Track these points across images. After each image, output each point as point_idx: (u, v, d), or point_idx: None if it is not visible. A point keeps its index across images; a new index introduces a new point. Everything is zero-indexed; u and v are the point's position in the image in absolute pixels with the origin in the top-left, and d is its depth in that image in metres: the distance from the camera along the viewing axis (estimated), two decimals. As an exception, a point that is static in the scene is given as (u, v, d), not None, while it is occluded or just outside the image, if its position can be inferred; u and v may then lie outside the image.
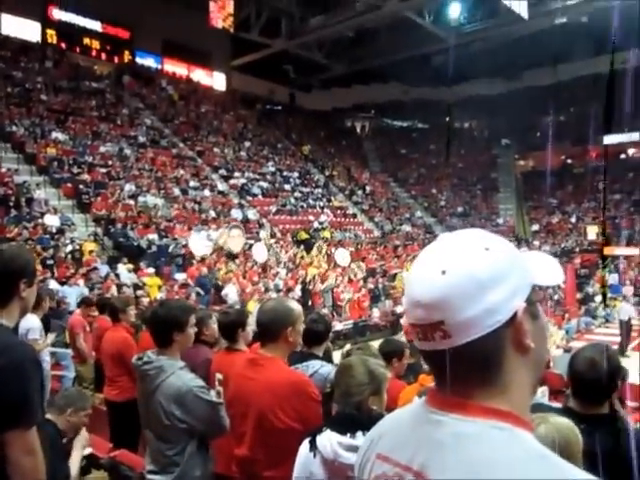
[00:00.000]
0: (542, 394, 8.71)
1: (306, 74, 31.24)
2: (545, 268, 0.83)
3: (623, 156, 30.07)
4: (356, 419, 1.81)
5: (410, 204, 28.18)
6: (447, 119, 34.17)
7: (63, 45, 23.08)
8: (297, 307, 2.36)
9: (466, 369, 0.75)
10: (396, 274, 17.73)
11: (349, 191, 26.32)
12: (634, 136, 27.77)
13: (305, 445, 1.87)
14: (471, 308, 0.73)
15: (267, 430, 2.14)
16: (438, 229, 26.14)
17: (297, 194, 23.31)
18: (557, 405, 2.42)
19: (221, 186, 20.85)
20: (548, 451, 0.71)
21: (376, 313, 15.66)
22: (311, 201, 23.39)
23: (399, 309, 15.43)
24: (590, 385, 1.88)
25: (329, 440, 1.81)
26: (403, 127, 35.27)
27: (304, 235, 18.93)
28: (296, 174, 24.97)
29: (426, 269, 0.78)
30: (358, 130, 34.74)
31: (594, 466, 1.48)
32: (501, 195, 29.62)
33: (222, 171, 21.85)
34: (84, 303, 7.00)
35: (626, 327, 13.49)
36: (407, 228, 24.92)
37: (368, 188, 27.36)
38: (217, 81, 28.56)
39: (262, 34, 26.57)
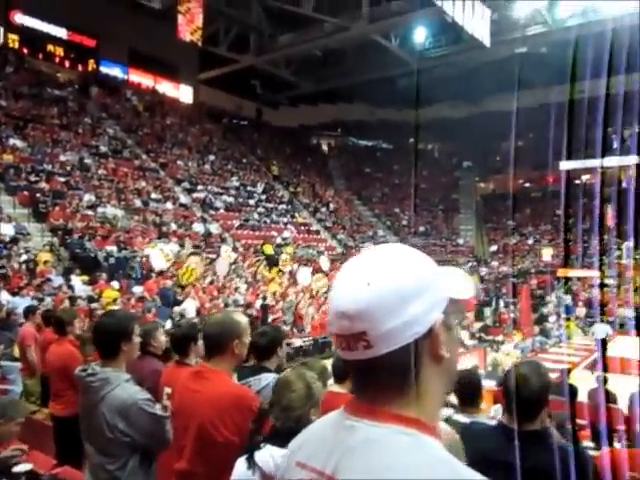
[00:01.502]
0: (495, 412, 8.89)
1: (274, 91, 31.46)
2: (458, 282, 0.87)
3: (578, 182, 31.15)
4: (297, 432, 1.80)
5: (373, 222, 28.50)
6: (411, 140, 34.86)
7: (25, 50, 22.61)
8: (243, 320, 2.35)
9: (385, 378, 0.79)
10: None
11: (313, 208, 26.44)
12: (588, 163, 28.88)
13: (241, 462, 1.85)
14: (393, 320, 0.76)
15: (207, 444, 2.11)
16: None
17: (261, 209, 23.28)
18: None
19: (184, 199, 20.65)
20: (450, 456, 0.74)
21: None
22: (275, 217, 23.39)
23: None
24: (522, 401, 1.91)
25: (271, 455, 1.80)
26: (368, 146, 35.78)
27: (269, 250, 18.92)
28: (260, 189, 24.95)
29: (351, 281, 0.80)
30: (324, 148, 35.07)
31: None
32: (462, 216, 30.26)
33: (185, 184, 21.66)
34: (30, 312, 6.81)
35: (603, 345, 13.87)
36: (369, 246, 25.10)
37: (332, 205, 27.56)
38: (183, 94, 28.43)
39: (231, 49, 26.67)
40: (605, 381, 6.79)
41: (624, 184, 29.45)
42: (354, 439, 0.77)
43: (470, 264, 25.18)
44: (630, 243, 24.42)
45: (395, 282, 0.77)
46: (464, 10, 21.65)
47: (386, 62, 26.34)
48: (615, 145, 29.02)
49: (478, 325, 16.60)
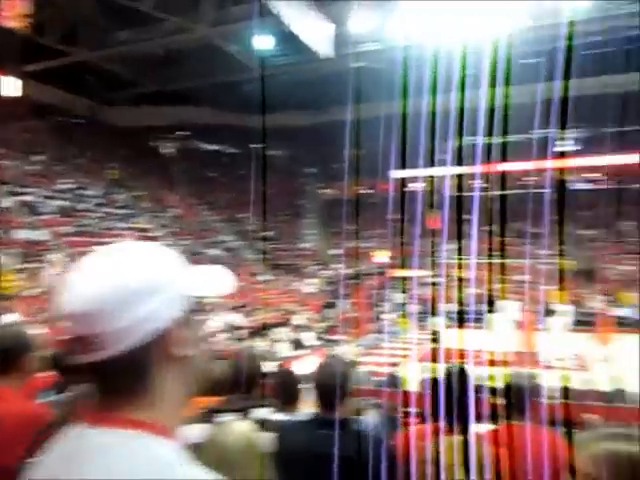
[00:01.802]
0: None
1: (110, 88, 29.70)
2: (210, 280, 0.87)
3: (410, 188, 33.84)
4: None
5: (219, 228, 28.16)
6: (257, 146, 35.12)
7: None
8: (38, 333, 2.17)
9: (119, 381, 0.76)
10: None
11: (155, 213, 25.40)
12: (418, 172, 31.45)
13: None
14: (123, 319, 0.73)
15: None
16: (247, 253, 26.51)
17: (98, 214, 21.80)
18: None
19: (6, 203, 18.59)
20: (176, 459, 0.74)
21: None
22: (113, 222, 22.05)
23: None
24: (326, 391, 2.06)
25: None
26: (213, 151, 35.29)
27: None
28: (97, 193, 23.37)
29: (78, 281, 0.76)
30: (167, 151, 33.88)
31: (329, 468, 1.59)
32: (307, 221, 31.15)
33: (8, 186, 19.52)
34: None
35: (434, 339, 15.00)
36: (215, 252, 24.80)
37: (175, 210, 26.72)
38: (5, 86, 25.61)
39: (63, 41, 24.63)
40: (434, 370, 7.36)
41: (447, 192, 32.60)
42: (84, 446, 0.74)
43: (314, 267, 26.01)
44: (454, 245, 27.05)
45: (124, 280, 0.75)
46: (303, 22, 22.39)
47: (230, 66, 26.27)
48: (440, 156, 31.96)
49: (322, 326, 17.18)
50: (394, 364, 9.88)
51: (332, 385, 2.05)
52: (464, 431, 2.02)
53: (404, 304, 22.31)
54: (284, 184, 33.07)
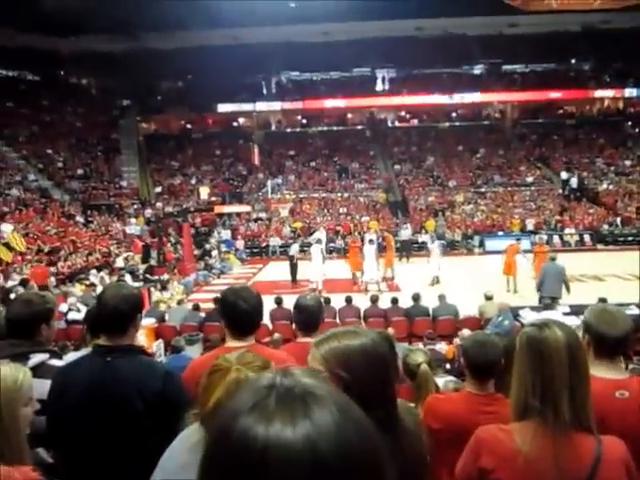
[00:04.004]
0: (157, 347, 9.08)
1: None
2: None
3: (235, 124, 33.31)
4: None
5: (21, 165, 25.02)
6: (62, 73, 31.44)
7: None
8: None
9: None
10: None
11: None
12: (244, 107, 31.08)
13: None
14: None
15: None
16: (56, 193, 24.11)
17: None
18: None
19: None
20: None
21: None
22: None
23: (9, 283, 13.75)
24: (112, 319, 1.98)
25: None
26: (9, 77, 30.76)
27: None
28: None
29: None
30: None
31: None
32: (124, 157, 29.07)
33: None
34: None
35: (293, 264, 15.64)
36: (18, 192, 22.13)
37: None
38: None
39: None
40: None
41: (272, 127, 32.79)
42: None
43: (135, 206, 24.65)
44: (278, 180, 27.53)
45: None
46: None
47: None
48: (265, 91, 31.82)
49: (144, 266, 16.53)
50: (217, 300, 9.87)
51: (114, 314, 1.94)
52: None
53: (230, 240, 22.37)
54: (96, 116, 30.28)
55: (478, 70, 32.87)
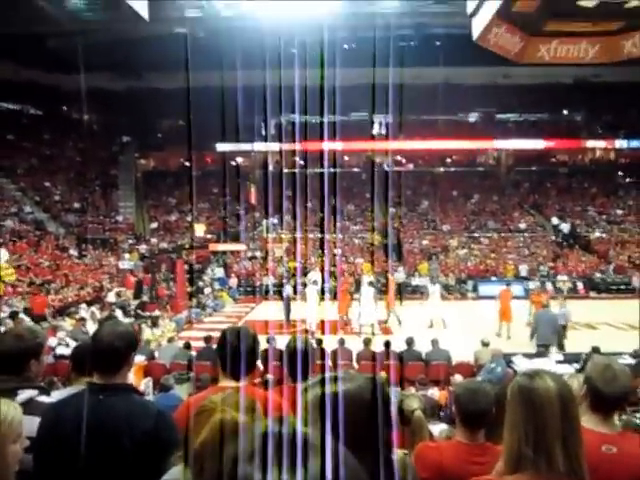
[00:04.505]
0: (146, 385, 8.94)
1: None
2: None
3: (233, 163, 33.67)
4: None
5: (17, 197, 25.11)
6: (64, 108, 31.90)
7: None
8: None
9: None
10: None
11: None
12: (242, 146, 31.53)
13: None
14: None
15: None
16: (51, 225, 24.13)
17: None
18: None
19: None
20: None
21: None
22: None
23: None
24: (103, 358, 1.97)
25: None
26: (12, 111, 31.19)
27: None
28: None
29: None
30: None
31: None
32: (121, 192, 29.26)
33: None
34: None
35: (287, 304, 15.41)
36: (13, 224, 22.13)
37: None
38: None
39: None
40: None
41: (270, 167, 33.17)
42: None
43: (129, 241, 24.65)
44: (273, 220, 27.67)
45: None
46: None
47: (34, 17, 23.26)
48: (263, 132, 32.32)
49: (136, 302, 16.42)
50: (208, 338, 9.80)
51: (109, 351, 1.93)
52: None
53: (223, 278, 22.31)
54: (96, 152, 30.59)
55: (473, 118, 33.61)
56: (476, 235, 27.13)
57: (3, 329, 12.62)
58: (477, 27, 14.53)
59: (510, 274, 22.59)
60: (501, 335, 13.46)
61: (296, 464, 0.53)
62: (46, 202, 25.84)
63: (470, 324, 14.27)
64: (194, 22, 25.41)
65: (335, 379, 1.10)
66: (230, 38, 25.50)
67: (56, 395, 2.55)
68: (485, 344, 9.08)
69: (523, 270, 23.06)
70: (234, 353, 2.11)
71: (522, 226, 27.70)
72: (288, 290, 16.02)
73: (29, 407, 2.04)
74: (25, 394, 2.18)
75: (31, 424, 1.87)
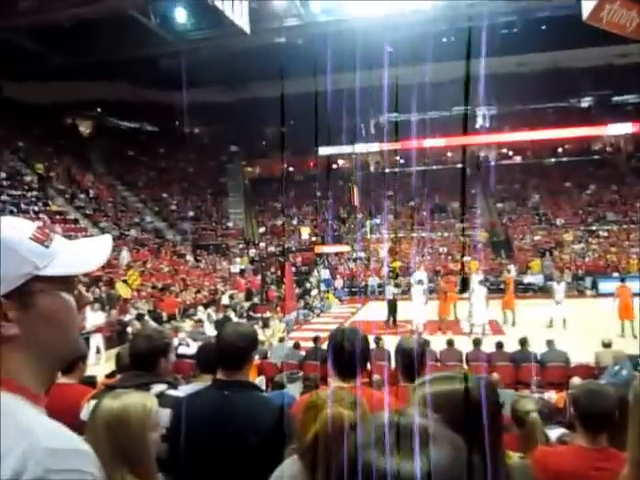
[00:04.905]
0: (259, 383, 9.32)
1: (16, 62, 27.66)
2: (74, 257, 0.84)
3: (335, 166, 34.13)
4: None
5: (139, 208, 27.23)
6: (177, 123, 34.07)
7: None
8: None
9: None
10: (115, 282, 16.88)
11: (70, 194, 24.17)
12: (343, 149, 31.86)
13: None
14: None
15: None
16: (169, 233, 25.87)
17: (4, 197, 20.48)
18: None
19: None
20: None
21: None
22: (23, 205, 20.79)
23: (127, 318, 14.82)
24: (228, 355, 2.12)
25: None
26: (131, 128, 33.90)
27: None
28: (3, 174, 21.91)
29: None
30: (81, 129, 32.22)
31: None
32: (230, 199, 30.74)
33: None
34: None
35: (391, 304, 15.45)
36: (136, 233, 24.01)
37: (92, 191, 25.54)
38: None
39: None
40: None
41: (371, 168, 33.21)
42: None
43: (240, 246, 25.82)
44: (376, 220, 27.66)
45: None
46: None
47: (146, 40, 25.13)
48: (363, 133, 32.43)
49: (247, 304, 17.15)
50: (317, 339, 10.02)
51: (233, 350, 2.09)
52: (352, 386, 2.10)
53: (329, 279, 22.64)
54: (206, 162, 32.41)
55: (586, 103, 31.46)
56: (593, 228, 25.36)
57: (130, 329, 13.77)
58: (587, 6, 13.59)
59: (635, 269, 20.86)
60: (625, 335, 12.50)
61: (417, 452, 0.57)
62: (164, 212, 27.78)
63: (589, 324, 13.38)
64: (292, 30, 26.07)
65: (442, 379, 1.12)
66: (328, 42, 25.89)
67: (183, 390, 2.78)
68: (606, 345, 8.48)
69: (649, 264, 21.23)
70: (346, 354, 2.17)
71: (647, 217, 25.48)
72: (391, 291, 15.91)
73: (161, 400, 2.26)
74: (157, 388, 2.41)
75: (162, 416, 2.06)
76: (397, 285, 17.17)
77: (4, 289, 0.75)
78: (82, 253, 0.86)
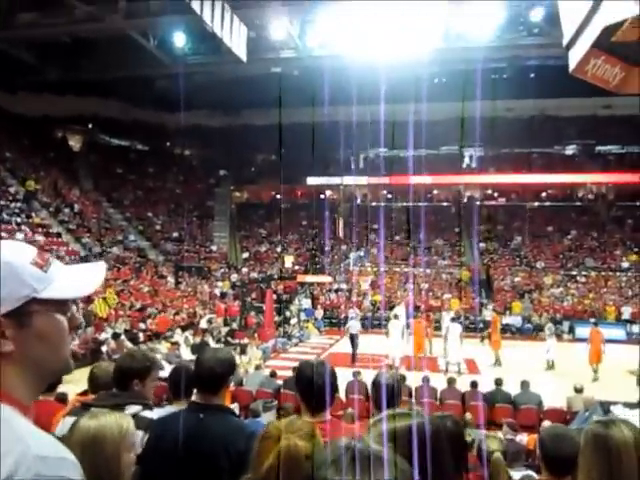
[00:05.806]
0: (233, 409, 9.23)
1: (10, 74, 27.73)
2: (69, 282, 0.91)
3: (322, 196, 34.40)
4: None
5: (123, 226, 27.09)
6: (167, 144, 34.24)
7: None
8: None
9: None
10: (94, 300, 16.63)
11: (54, 208, 24.02)
12: (332, 180, 32.18)
13: None
14: None
15: None
16: (152, 253, 25.73)
17: (-13, 208, 20.30)
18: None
19: None
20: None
21: (75, 341, 14.47)
22: (5, 216, 20.60)
23: (102, 336, 14.64)
24: (205, 379, 2.16)
25: None
26: (121, 146, 33.96)
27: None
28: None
29: None
30: (71, 143, 32.19)
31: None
32: (216, 223, 30.75)
33: None
34: None
35: (355, 340, 15.26)
36: (118, 251, 23.84)
37: (77, 206, 25.39)
38: None
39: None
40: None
41: (357, 200, 33.52)
42: None
43: (222, 270, 25.73)
44: (360, 253, 27.81)
45: None
46: (222, 23, 22.16)
47: (143, 61, 25.41)
48: (352, 166, 32.83)
49: (226, 329, 17.03)
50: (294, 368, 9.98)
51: (210, 374, 2.14)
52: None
53: (309, 309, 22.60)
54: (194, 185, 32.49)
55: (571, 150, 32.28)
56: (573, 273, 25.76)
57: (105, 349, 13.58)
58: (574, 59, 14.11)
59: (611, 316, 21.18)
60: (598, 379, 12.64)
61: (366, 472, 0.64)
62: (148, 231, 27.66)
63: (565, 367, 13.52)
64: (289, 62, 26.57)
65: (400, 415, 1.17)
66: (323, 76, 26.38)
67: (157, 412, 2.79)
68: (578, 390, 8.59)
69: (626, 312, 21.53)
70: (314, 387, 2.19)
71: (625, 265, 25.96)
72: (353, 325, 15.69)
73: (135, 421, 2.28)
74: (132, 409, 2.43)
75: (136, 437, 2.09)
76: (363, 320, 17.04)
77: (4, 309, 0.81)
78: (77, 278, 0.93)
